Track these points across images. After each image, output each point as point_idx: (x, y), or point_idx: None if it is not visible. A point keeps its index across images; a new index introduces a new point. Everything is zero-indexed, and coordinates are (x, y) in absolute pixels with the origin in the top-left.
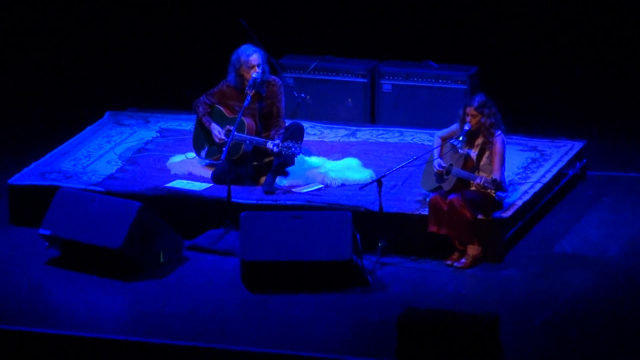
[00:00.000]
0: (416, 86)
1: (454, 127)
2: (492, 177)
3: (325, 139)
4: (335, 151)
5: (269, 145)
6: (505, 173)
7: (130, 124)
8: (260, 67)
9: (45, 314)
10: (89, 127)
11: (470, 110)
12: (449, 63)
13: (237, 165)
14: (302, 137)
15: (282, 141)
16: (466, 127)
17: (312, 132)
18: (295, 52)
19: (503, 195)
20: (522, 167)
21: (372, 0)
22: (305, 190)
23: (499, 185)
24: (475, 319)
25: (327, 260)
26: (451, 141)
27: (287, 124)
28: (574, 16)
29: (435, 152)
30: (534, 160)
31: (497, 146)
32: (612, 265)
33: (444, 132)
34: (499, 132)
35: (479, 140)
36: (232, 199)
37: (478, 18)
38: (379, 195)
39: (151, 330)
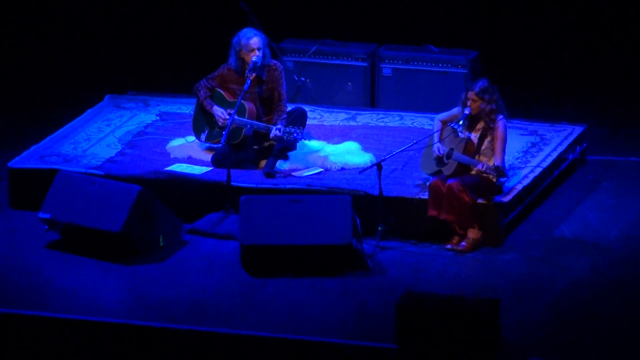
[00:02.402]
0: (416, 70)
1: (456, 110)
2: (493, 164)
3: (325, 123)
4: (335, 135)
5: (272, 130)
6: (506, 157)
7: (130, 107)
8: (261, 51)
9: (44, 298)
10: (88, 111)
11: (471, 94)
12: (449, 47)
13: (238, 149)
14: (305, 122)
15: (284, 126)
16: (466, 112)
17: (312, 115)
18: (295, 35)
19: (503, 179)
20: (522, 151)
21: None
22: (305, 174)
23: (501, 171)
24: (475, 303)
25: (326, 244)
26: (451, 125)
27: (290, 109)
28: (574, 0)
29: (436, 136)
30: (534, 145)
31: (499, 131)
32: (612, 249)
33: (444, 115)
34: (501, 117)
35: (480, 125)
36: (232, 183)
37: (478, 2)
38: (379, 179)
39: (150, 314)
